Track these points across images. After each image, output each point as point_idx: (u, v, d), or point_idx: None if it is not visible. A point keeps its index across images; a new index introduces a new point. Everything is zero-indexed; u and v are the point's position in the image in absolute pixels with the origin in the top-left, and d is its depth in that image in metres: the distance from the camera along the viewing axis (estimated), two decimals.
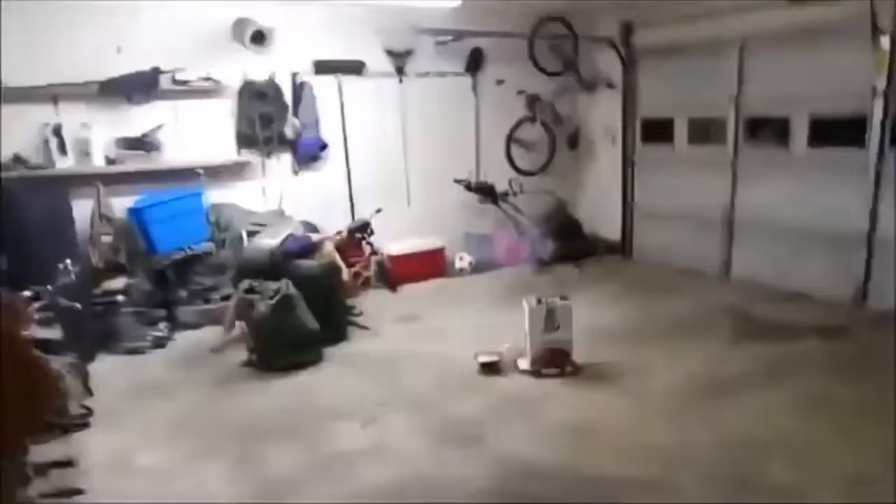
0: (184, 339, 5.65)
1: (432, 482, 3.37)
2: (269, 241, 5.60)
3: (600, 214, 8.28)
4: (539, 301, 4.64)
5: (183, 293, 5.85)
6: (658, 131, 7.51)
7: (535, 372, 4.58)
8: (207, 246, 5.99)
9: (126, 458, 3.70)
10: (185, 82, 6.07)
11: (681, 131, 7.25)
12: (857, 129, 5.55)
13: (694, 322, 5.57)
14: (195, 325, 5.78)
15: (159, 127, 6.06)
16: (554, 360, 4.58)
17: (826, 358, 4.69)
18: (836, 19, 5.52)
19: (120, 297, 5.42)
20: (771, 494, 3.11)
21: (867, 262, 5.63)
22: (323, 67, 6.82)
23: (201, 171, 6.13)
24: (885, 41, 5.25)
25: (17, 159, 5.52)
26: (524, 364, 4.65)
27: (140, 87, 5.92)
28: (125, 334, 5.36)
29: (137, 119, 6.00)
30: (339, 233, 6.79)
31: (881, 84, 5.34)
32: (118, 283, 5.53)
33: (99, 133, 5.79)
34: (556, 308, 4.60)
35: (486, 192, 7.61)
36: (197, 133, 6.28)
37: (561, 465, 3.48)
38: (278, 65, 6.54)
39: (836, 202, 5.78)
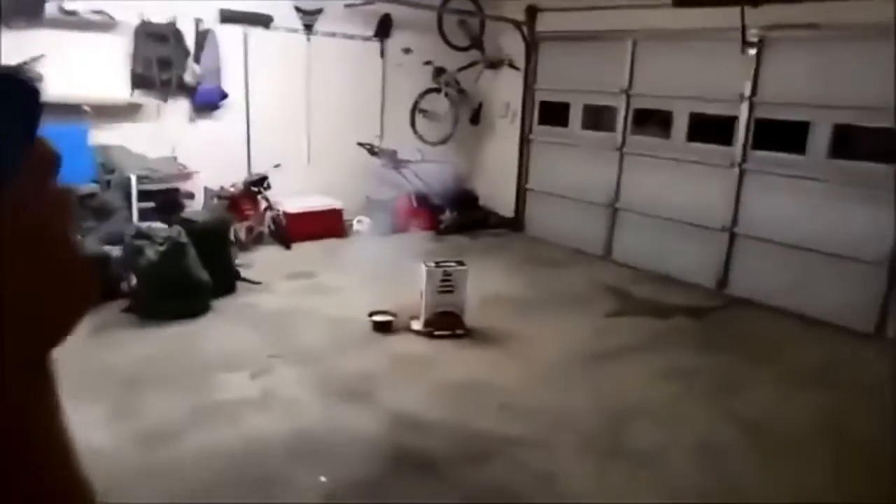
0: None
1: (320, 434, 3.45)
2: None
3: (496, 189, 8.55)
4: (437, 264, 4.79)
5: None
6: (555, 114, 7.85)
7: (428, 333, 4.74)
8: (90, 186, 5.64)
9: None
10: (73, 13, 5.64)
11: (576, 116, 7.62)
12: (726, 128, 6.13)
13: (579, 296, 5.94)
14: None
15: (40, 57, 5.59)
16: (446, 322, 4.76)
17: (692, 333, 5.20)
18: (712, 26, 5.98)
19: None
20: (637, 458, 3.41)
21: (727, 253, 6.23)
22: (228, 17, 6.57)
23: (88, 108, 5.75)
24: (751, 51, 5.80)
25: None
26: (417, 325, 4.80)
27: (21, 11, 5.43)
28: None
29: (15, 46, 5.50)
30: (233, 185, 6.63)
31: (747, 90, 5.91)
32: None
33: None
34: (452, 272, 4.78)
35: (388, 157, 7.65)
36: (86, 68, 5.85)
37: (446, 420, 3.67)
38: (181, 9, 6.21)
39: (705, 196, 6.32)
